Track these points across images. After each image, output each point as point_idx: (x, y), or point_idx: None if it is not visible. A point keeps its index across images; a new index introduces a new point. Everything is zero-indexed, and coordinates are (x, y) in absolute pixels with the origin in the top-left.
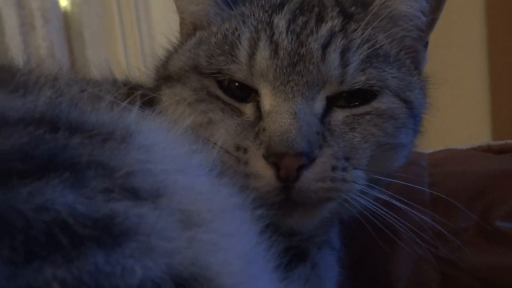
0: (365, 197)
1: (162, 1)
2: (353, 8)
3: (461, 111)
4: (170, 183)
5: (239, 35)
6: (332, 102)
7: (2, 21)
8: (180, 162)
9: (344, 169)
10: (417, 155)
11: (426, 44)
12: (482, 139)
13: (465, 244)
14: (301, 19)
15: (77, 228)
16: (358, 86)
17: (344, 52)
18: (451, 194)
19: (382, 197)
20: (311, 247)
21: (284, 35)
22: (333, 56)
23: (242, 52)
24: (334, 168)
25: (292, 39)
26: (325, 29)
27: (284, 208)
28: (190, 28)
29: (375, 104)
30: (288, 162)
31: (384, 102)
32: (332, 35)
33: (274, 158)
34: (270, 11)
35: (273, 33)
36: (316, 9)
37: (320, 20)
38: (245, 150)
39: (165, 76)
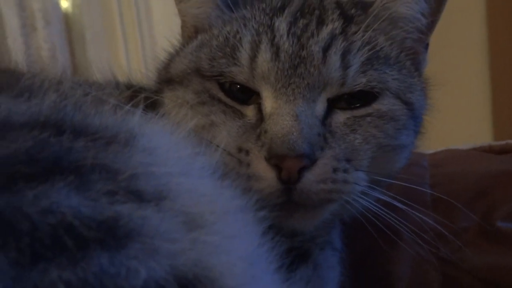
0: (366, 198)
1: (163, 2)
2: (353, 11)
3: (462, 112)
4: (173, 186)
5: (240, 38)
6: (333, 104)
7: (3, 23)
8: (183, 164)
9: (345, 171)
10: (418, 155)
11: (426, 46)
12: (484, 140)
13: (466, 245)
14: (302, 21)
15: (82, 230)
16: (359, 88)
17: (344, 55)
18: (452, 194)
19: (383, 198)
20: (313, 248)
21: (285, 37)
22: (334, 58)
23: (244, 55)
24: (335, 170)
25: (293, 42)
26: (325, 31)
27: (286, 209)
28: (191, 31)
29: (376, 105)
30: (289, 164)
31: (385, 104)
32: (332, 37)
33: (275, 160)
34: (271, 14)
35: (274, 36)
36: (317, 12)
37: (321, 22)
38: (247, 152)
39: (167, 78)
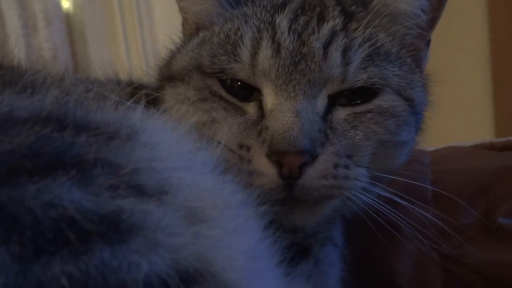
0: (367, 194)
1: (164, 1)
2: (354, 7)
3: (464, 109)
4: (175, 180)
5: (241, 35)
6: (334, 101)
7: (5, 23)
8: (185, 159)
9: (346, 167)
10: (419, 153)
11: (428, 42)
12: (486, 137)
13: (468, 241)
14: (302, 18)
15: (84, 224)
16: (360, 84)
17: (345, 51)
18: (454, 191)
19: (384, 194)
20: (314, 244)
21: (286, 34)
22: (335, 55)
23: (245, 52)
24: (336, 166)
25: (294, 39)
26: (326, 28)
27: (287, 205)
28: (192, 28)
29: (376, 102)
30: (290, 160)
31: (385, 100)
32: (333, 34)
33: (276, 156)
34: (272, 11)
35: (275, 33)
36: (318, 9)
37: (322, 19)
38: (248, 149)
39: (168, 76)
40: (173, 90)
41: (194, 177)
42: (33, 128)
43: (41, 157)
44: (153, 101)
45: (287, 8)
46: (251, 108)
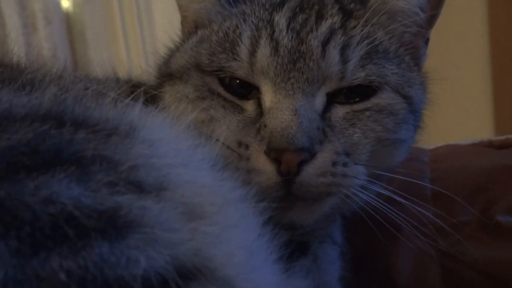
0: (366, 192)
1: (163, 0)
2: (352, 5)
3: (464, 108)
4: (174, 177)
5: (240, 33)
6: (332, 99)
7: (4, 23)
8: (183, 156)
9: (344, 164)
10: (418, 151)
11: (427, 41)
12: (485, 135)
13: (467, 238)
14: (301, 16)
15: (83, 220)
16: (358, 82)
17: (344, 49)
18: (452, 189)
19: (383, 192)
20: (312, 241)
21: (284, 32)
22: (333, 53)
23: (243, 50)
24: (334, 163)
25: (292, 37)
26: (325, 26)
27: (286, 202)
28: (191, 26)
29: (375, 100)
30: (289, 158)
31: (383, 98)
32: (332, 32)
33: (275, 153)
34: (270, 9)
35: (274, 31)
36: (316, 7)
37: (320, 17)
38: (247, 146)
39: (167, 74)
40: (171, 88)
41: (193, 174)
42: (31, 125)
43: (40, 153)
44: (151, 99)
45: (285, 6)
46: (249, 106)
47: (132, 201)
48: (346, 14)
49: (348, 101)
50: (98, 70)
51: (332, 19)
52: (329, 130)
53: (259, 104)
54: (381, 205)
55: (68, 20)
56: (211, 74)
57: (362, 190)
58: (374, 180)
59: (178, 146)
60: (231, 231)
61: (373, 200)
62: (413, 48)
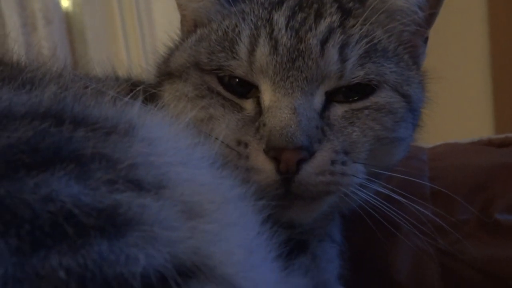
0: (365, 190)
1: (163, 0)
2: (351, 4)
3: (464, 107)
4: (173, 175)
5: (239, 32)
6: (331, 97)
7: (4, 22)
8: (183, 154)
9: (343, 163)
10: (417, 149)
11: (426, 40)
12: (485, 134)
13: (466, 237)
14: (300, 15)
15: (82, 218)
16: (357, 80)
17: (342, 48)
18: (451, 187)
19: (382, 190)
20: (311, 239)
21: (283, 31)
22: (332, 51)
23: (242, 49)
24: (333, 162)
25: (291, 35)
26: (323, 25)
27: (285, 201)
28: (191, 25)
29: (373, 98)
30: (288, 156)
31: (382, 97)
32: (330, 31)
33: (274, 152)
34: (269, 8)
35: (273, 30)
36: (315, 6)
37: (319, 16)
38: (246, 145)
39: (167, 72)
40: (171, 86)
41: (192, 172)
42: (31, 123)
43: (39, 151)
44: (151, 98)
45: (284, 5)
46: (249, 104)
47: (131, 199)
48: (345, 13)
49: (347, 100)
50: (98, 68)
51: (331, 18)
52: (328, 129)
53: (258, 103)
54: (380, 204)
55: (68, 20)
56: (210, 72)
57: (361, 189)
58: (373, 179)
59: (177, 144)
60: (230, 229)
61: (372, 199)
62: (412, 47)
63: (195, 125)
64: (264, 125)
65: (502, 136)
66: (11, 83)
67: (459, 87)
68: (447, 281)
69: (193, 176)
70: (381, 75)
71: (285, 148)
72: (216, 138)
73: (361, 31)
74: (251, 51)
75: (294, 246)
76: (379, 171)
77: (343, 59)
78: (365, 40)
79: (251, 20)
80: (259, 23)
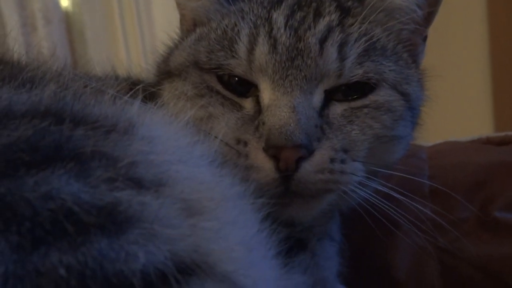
0: (364, 189)
1: (163, 0)
2: (350, 3)
3: (464, 105)
4: (173, 173)
5: (238, 30)
6: (330, 96)
7: (4, 22)
8: (182, 153)
9: (342, 161)
10: (417, 148)
11: (425, 38)
12: (485, 133)
13: (465, 235)
14: (299, 14)
15: (82, 216)
16: (356, 79)
17: (341, 46)
18: (451, 186)
19: (382, 189)
20: (311, 237)
21: (282, 30)
22: (331, 50)
23: (242, 48)
24: (332, 160)
25: (290, 34)
26: (322, 24)
27: (284, 199)
28: (190, 24)
29: (372, 97)
30: (287, 154)
31: (381, 95)
32: (329, 29)
33: (273, 150)
34: (268, 7)
35: (272, 29)
36: (314, 4)
37: (318, 15)
38: (245, 143)
39: (166, 71)
40: (170, 85)
41: (191, 170)
42: (31, 122)
43: (39, 150)
44: (150, 96)
45: (283, 3)
46: (248, 103)
47: (131, 197)
48: (344, 12)
49: (346, 98)
50: (98, 68)
51: (329, 17)
52: (327, 127)
53: (258, 102)
54: (379, 202)
55: (67, 20)
56: (209, 71)
57: (360, 187)
58: (372, 177)
59: (177, 143)
60: (230, 227)
61: (371, 197)
62: (411, 45)
63: (194, 123)
64: (263, 123)
65: (502, 134)
66: (11, 82)
67: (459, 86)
68: (446, 279)
69: (193, 174)
70: (380, 73)
71: (284, 146)
72: (216, 137)
73: (360, 29)
74: (250, 50)
75: (293, 244)
76: (379, 169)
77: (342, 57)
78: (364, 39)
79: (250, 19)
80: (258, 22)
